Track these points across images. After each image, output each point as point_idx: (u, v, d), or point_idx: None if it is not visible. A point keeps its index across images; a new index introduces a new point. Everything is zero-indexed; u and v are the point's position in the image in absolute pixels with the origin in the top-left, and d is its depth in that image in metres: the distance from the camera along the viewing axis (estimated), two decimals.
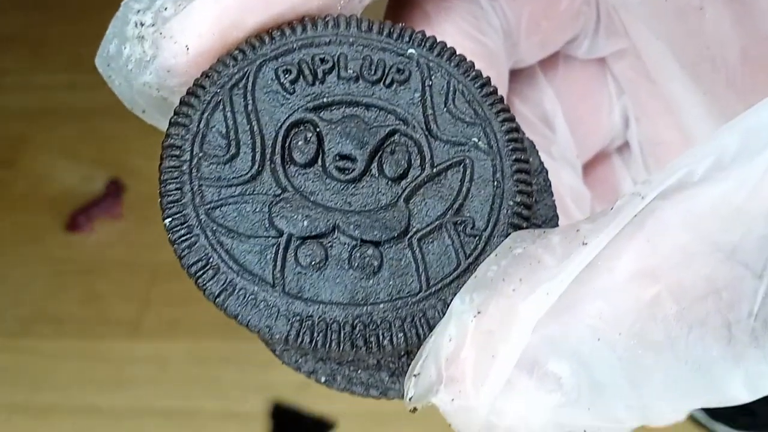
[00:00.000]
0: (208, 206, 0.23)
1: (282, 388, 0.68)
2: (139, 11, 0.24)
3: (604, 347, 0.21)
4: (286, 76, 0.24)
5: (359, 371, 0.27)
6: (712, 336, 0.20)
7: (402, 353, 0.24)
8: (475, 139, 0.24)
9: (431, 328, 0.22)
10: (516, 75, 0.34)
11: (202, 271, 0.23)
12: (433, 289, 0.23)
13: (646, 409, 0.21)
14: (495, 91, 0.25)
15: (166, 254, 0.94)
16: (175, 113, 0.24)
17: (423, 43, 0.25)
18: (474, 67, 0.25)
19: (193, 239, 0.23)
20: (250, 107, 0.24)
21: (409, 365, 0.23)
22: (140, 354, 0.73)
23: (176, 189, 0.23)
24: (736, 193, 0.20)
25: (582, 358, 0.21)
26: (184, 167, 0.23)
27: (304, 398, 0.68)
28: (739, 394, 0.21)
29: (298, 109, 0.24)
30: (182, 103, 0.24)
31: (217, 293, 0.22)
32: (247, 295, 0.22)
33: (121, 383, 0.71)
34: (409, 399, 0.22)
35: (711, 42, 0.29)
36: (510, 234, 0.23)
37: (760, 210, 0.20)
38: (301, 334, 0.22)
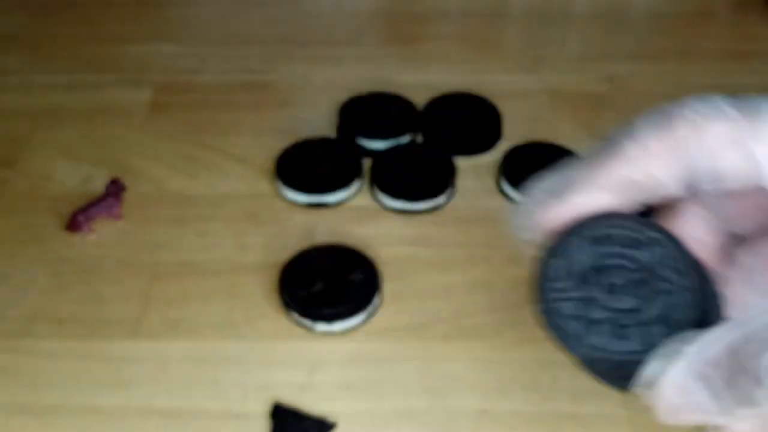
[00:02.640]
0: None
1: (282, 388, 0.68)
2: None
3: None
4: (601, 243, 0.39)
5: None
6: None
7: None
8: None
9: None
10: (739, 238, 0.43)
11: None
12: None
13: None
14: (698, 262, 0.38)
15: (166, 254, 0.93)
16: None
17: (663, 230, 0.39)
18: (687, 248, 0.39)
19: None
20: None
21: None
22: (140, 354, 0.73)
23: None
24: None
25: None
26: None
27: (304, 398, 0.68)
28: None
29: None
30: None
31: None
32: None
33: (121, 383, 0.71)
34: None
35: None
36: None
37: None
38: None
